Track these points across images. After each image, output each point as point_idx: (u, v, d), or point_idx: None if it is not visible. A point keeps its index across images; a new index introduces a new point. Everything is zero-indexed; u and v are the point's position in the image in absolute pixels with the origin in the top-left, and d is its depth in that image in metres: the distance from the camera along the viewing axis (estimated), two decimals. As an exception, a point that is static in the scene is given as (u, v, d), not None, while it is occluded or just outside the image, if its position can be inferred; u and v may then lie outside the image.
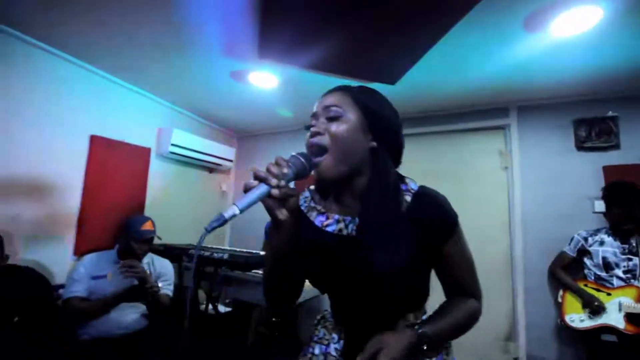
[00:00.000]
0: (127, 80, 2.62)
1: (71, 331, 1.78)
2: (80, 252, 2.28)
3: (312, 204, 0.77)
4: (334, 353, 0.72)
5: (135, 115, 2.77)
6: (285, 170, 0.59)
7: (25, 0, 1.65)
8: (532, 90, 2.39)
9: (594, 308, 1.89)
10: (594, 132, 2.34)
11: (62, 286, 2.01)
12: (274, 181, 0.56)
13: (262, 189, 0.56)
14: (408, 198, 0.69)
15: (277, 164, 0.59)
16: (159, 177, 2.97)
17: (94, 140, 2.45)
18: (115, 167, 2.58)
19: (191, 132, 3.12)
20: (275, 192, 0.56)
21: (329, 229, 0.72)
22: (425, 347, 0.62)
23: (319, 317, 0.83)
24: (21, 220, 1.98)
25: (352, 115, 0.68)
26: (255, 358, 2.59)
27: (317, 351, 0.75)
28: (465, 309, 0.70)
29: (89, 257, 2.00)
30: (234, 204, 0.53)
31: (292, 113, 3.12)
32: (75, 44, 2.11)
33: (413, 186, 0.72)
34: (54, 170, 2.21)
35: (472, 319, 0.71)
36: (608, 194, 2.03)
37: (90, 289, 1.85)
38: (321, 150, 0.66)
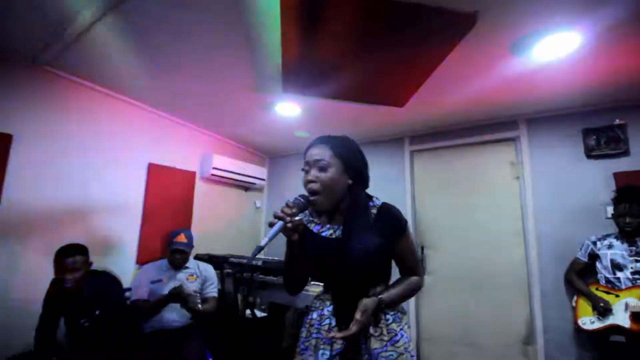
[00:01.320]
0: (176, 114, 3.13)
1: (137, 325, 2.19)
2: (141, 261, 2.74)
3: (311, 219, 1.14)
4: (326, 313, 1.03)
5: (182, 144, 3.27)
6: (294, 210, 0.93)
7: (91, 51, 2.03)
8: (538, 103, 2.54)
9: (600, 309, 1.97)
10: (603, 141, 2.43)
11: (128, 289, 2.45)
12: (287, 219, 0.91)
13: (280, 224, 0.91)
14: (374, 211, 1.05)
15: (287, 206, 0.94)
16: (203, 196, 3.43)
17: (151, 167, 2.94)
18: (167, 189, 3.06)
19: (229, 155, 3.57)
20: (289, 225, 0.91)
21: (323, 234, 1.08)
22: (383, 306, 0.98)
23: (315, 296, 1.15)
24: (96, 235, 2.46)
25: (333, 165, 1.01)
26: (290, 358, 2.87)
27: (315, 315, 1.06)
28: (410, 282, 1.06)
29: (146, 267, 2.42)
30: (265, 237, 0.91)
31: (308, 134, 3.46)
32: (131, 86, 2.57)
33: (377, 202, 1.08)
34: (121, 193, 2.71)
35: (415, 288, 1.07)
36: (618, 196, 2.12)
37: (151, 292, 2.26)
38: (315, 192, 1.00)
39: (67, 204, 2.36)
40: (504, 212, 2.76)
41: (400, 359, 0.97)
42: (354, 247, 0.97)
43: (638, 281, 1.95)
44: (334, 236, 1.05)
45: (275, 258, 2.76)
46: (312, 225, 1.11)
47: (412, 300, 3.01)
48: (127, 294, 2.41)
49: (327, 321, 1.02)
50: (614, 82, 2.17)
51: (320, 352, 0.98)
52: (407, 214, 3.15)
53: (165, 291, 2.22)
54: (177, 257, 2.37)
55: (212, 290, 2.44)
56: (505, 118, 2.80)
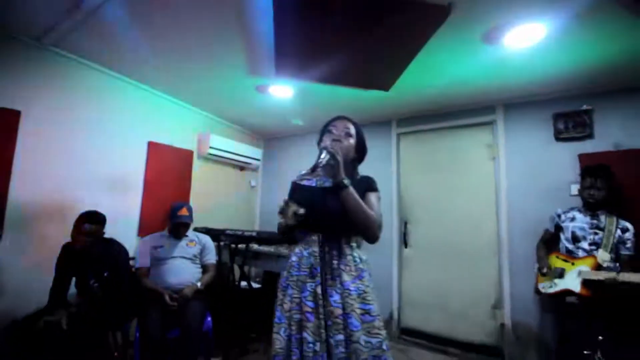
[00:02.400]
0: (175, 95, 3.27)
1: (141, 288, 2.40)
2: (142, 233, 2.93)
3: (302, 177, 1.41)
4: (306, 254, 1.25)
5: (180, 124, 3.42)
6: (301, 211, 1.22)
7: (96, 33, 2.16)
8: (514, 89, 2.73)
9: (543, 273, 2.24)
10: (571, 125, 2.64)
11: (132, 258, 2.65)
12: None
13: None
14: (358, 177, 1.35)
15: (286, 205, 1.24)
16: (201, 175, 3.61)
17: (151, 145, 3.10)
18: (166, 166, 3.23)
19: (225, 136, 3.74)
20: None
21: (313, 184, 1.36)
22: (344, 182, 1.20)
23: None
24: (100, 208, 2.63)
25: (353, 138, 1.36)
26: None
27: (294, 258, 1.28)
28: (372, 212, 1.23)
29: (147, 238, 2.60)
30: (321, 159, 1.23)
31: (302, 121, 3.65)
32: (132, 68, 2.72)
33: (362, 175, 1.38)
34: (122, 169, 2.88)
35: (370, 219, 1.21)
36: (586, 171, 2.31)
37: (153, 256, 2.47)
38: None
39: (73, 177, 2.53)
40: (480, 191, 3.00)
41: (367, 290, 1.21)
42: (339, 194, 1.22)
43: (593, 252, 2.18)
44: (323, 186, 1.32)
45: (269, 231, 2.98)
46: (304, 181, 1.38)
47: (394, 270, 3.29)
48: (131, 262, 2.62)
49: (310, 260, 1.23)
50: (580, 70, 2.36)
51: (308, 285, 1.20)
52: (393, 192, 3.38)
53: (166, 254, 2.43)
54: (180, 230, 2.57)
55: (212, 258, 2.65)
56: (484, 103, 2.99)
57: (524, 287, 2.67)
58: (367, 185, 1.30)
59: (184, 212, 2.56)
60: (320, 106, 3.21)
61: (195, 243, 2.60)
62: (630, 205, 2.33)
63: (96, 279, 2.17)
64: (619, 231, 2.17)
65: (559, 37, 1.95)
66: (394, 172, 3.41)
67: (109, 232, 2.31)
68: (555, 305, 2.31)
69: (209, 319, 2.42)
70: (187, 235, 2.61)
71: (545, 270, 2.24)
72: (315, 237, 1.25)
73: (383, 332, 1.18)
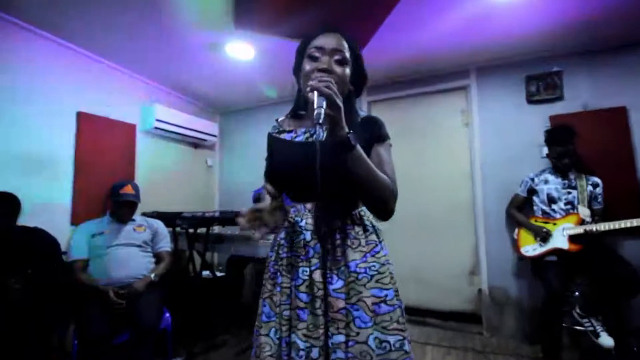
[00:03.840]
0: (109, 58, 2.72)
1: (78, 284, 1.96)
2: (76, 221, 2.43)
3: (281, 129, 1.02)
4: (298, 229, 0.91)
5: (119, 92, 2.88)
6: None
7: None
8: (488, 50, 2.63)
9: (543, 235, 2.21)
10: (542, 87, 2.62)
11: (64, 253, 2.18)
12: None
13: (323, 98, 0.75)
14: (359, 119, 0.96)
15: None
16: (147, 152, 3.11)
17: (82, 116, 2.56)
18: (103, 142, 2.70)
19: (175, 109, 3.25)
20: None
21: (297, 139, 0.95)
22: (349, 145, 0.77)
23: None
24: (20, 193, 2.11)
25: (349, 64, 0.91)
26: (251, 314, 2.84)
27: (283, 234, 0.95)
28: (386, 178, 0.85)
29: (84, 224, 2.15)
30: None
31: (276, 93, 3.26)
32: (59, 24, 2.20)
33: (362, 113, 0.99)
34: (46, 146, 2.34)
35: (384, 184, 0.84)
36: (549, 136, 2.32)
37: (91, 245, 2.03)
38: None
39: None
40: (455, 157, 2.92)
41: (383, 270, 0.90)
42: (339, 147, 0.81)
43: (570, 210, 2.20)
44: (311, 140, 0.93)
45: (233, 209, 2.63)
46: (284, 134, 0.99)
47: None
48: (63, 257, 2.15)
49: (301, 237, 0.90)
50: (552, 30, 2.31)
51: (301, 270, 0.88)
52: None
53: (109, 242, 2.02)
54: (125, 211, 2.14)
55: (166, 245, 2.27)
56: (457, 67, 2.88)
57: (499, 251, 2.67)
58: (372, 132, 0.92)
59: (128, 189, 2.14)
60: (287, 68, 2.86)
61: (144, 228, 2.19)
62: (596, 162, 2.37)
63: (16, 278, 1.70)
64: (590, 187, 2.22)
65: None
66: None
67: (35, 222, 1.84)
68: (536, 266, 2.31)
69: (167, 314, 2.07)
70: (134, 220, 2.20)
71: (544, 231, 2.20)
72: (308, 206, 0.94)
73: (405, 326, 0.88)
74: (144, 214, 2.57)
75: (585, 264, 2.11)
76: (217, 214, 2.36)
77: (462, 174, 2.88)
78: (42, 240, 1.85)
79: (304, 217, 0.93)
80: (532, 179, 2.41)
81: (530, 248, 2.29)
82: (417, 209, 2.97)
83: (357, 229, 0.91)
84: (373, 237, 0.93)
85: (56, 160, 2.42)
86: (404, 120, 3.13)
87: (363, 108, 3.22)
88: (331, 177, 0.84)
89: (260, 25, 2.24)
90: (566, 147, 2.21)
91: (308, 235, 0.90)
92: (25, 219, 2.08)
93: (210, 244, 2.59)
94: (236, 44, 2.48)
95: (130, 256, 2.05)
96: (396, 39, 2.45)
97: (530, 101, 2.66)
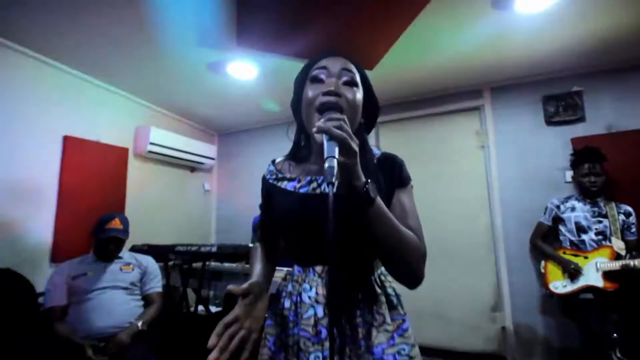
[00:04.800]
0: (100, 78, 2.55)
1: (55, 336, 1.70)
2: (58, 258, 2.19)
3: (280, 175, 0.83)
4: (307, 301, 0.72)
5: (111, 115, 2.69)
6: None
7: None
8: (502, 69, 2.50)
9: (571, 271, 2.00)
10: (561, 107, 2.48)
11: (41, 294, 1.92)
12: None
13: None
14: (374, 159, 0.78)
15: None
16: (139, 177, 2.89)
17: (68, 141, 2.36)
18: (91, 168, 2.49)
19: (171, 130, 3.06)
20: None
21: (302, 190, 0.76)
22: (368, 198, 0.61)
23: (284, 275, 0.84)
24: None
25: (359, 90, 0.75)
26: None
27: (287, 304, 0.76)
28: (410, 234, 0.68)
29: (63, 265, 1.89)
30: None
31: (278, 107, 3.08)
32: (43, 41, 2.04)
33: (377, 152, 0.81)
34: (26, 173, 2.12)
35: (413, 246, 0.67)
36: (576, 157, 2.16)
37: (72, 290, 1.78)
38: (339, 109, 0.68)
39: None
40: (470, 181, 2.73)
41: (414, 353, 0.71)
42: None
43: (602, 242, 2.00)
44: (318, 191, 0.74)
45: (231, 243, 2.40)
46: (284, 182, 0.80)
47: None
48: (41, 299, 1.89)
49: (311, 312, 0.70)
50: (575, 47, 2.18)
51: (312, 356, 0.67)
52: (373, 190, 2.99)
53: (92, 285, 1.77)
54: (110, 248, 1.90)
55: (156, 285, 2.02)
56: (470, 87, 2.74)
57: (523, 284, 2.45)
58: (392, 176, 0.75)
59: (115, 224, 1.91)
60: (290, 92, 2.69)
61: (132, 267, 1.95)
62: (625, 188, 2.20)
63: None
64: (622, 216, 2.05)
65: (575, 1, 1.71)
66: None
67: (9, 259, 1.61)
68: (568, 305, 2.09)
69: (156, 365, 1.80)
70: (120, 257, 1.96)
71: (572, 267, 1.99)
72: (317, 270, 0.74)
73: None
74: (133, 248, 2.34)
75: (623, 302, 1.90)
76: (213, 249, 2.12)
77: (480, 199, 2.69)
78: (10, 283, 1.60)
79: (313, 284, 0.74)
80: (558, 206, 2.22)
81: (560, 284, 2.08)
82: (432, 237, 2.70)
83: (379, 300, 0.73)
84: (399, 309, 0.76)
85: (38, 190, 2.19)
86: (415, 143, 2.96)
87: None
88: (346, 235, 0.67)
89: (264, 43, 2.09)
90: (594, 164, 2.06)
91: (320, 311, 0.70)
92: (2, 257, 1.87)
93: (206, 280, 2.34)
94: (238, 63, 2.32)
95: (115, 301, 1.79)
96: (406, 59, 2.31)
97: (549, 122, 2.51)
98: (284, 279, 0.83)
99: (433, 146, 2.89)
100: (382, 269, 0.79)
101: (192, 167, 3.48)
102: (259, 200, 0.91)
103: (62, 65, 2.32)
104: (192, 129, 3.54)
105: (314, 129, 0.59)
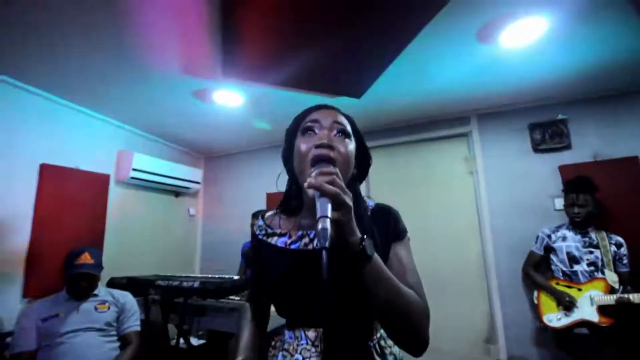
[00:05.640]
0: (80, 103, 2.48)
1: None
2: (31, 293, 2.07)
3: (270, 230, 0.79)
4: None
5: (91, 141, 2.61)
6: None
7: None
8: (489, 98, 2.52)
9: (566, 304, 1.95)
10: (548, 135, 2.50)
11: (11, 333, 1.79)
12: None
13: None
14: (368, 211, 0.76)
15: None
16: (120, 204, 2.79)
17: (45, 169, 2.26)
18: (69, 197, 2.39)
19: (154, 155, 2.98)
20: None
21: (293, 246, 0.73)
22: (365, 256, 0.57)
23: (273, 342, 0.78)
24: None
25: (351, 141, 0.73)
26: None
27: None
28: (410, 293, 0.63)
29: (35, 304, 1.76)
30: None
31: (269, 125, 2.98)
32: (21, 66, 1.97)
33: (370, 203, 0.79)
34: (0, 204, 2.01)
35: (414, 304, 0.62)
36: (566, 187, 2.15)
37: (42, 333, 1.65)
38: (332, 162, 0.67)
39: None
40: (460, 207, 2.71)
41: None
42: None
43: (595, 273, 1.97)
44: (310, 247, 0.71)
45: (216, 276, 2.30)
46: (275, 238, 0.77)
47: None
48: (8, 339, 1.76)
49: None
50: (559, 77, 2.22)
51: None
52: (363, 215, 2.94)
53: (63, 328, 1.64)
54: (82, 285, 1.78)
55: (134, 324, 1.89)
56: (458, 113, 2.75)
57: (516, 315, 2.39)
58: (388, 229, 0.72)
59: (85, 258, 1.79)
60: (278, 116, 2.67)
61: (108, 305, 1.83)
62: (615, 217, 2.19)
63: None
64: (613, 247, 2.02)
65: (557, 34, 1.73)
66: (362, 191, 2.98)
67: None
68: (562, 339, 2.03)
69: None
70: (95, 295, 1.83)
71: (567, 299, 1.95)
72: (310, 336, 0.69)
73: None
74: (112, 281, 2.21)
75: (619, 337, 1.86)
76: (196, 284, 2.02)
77: (470, 226, 2.66)
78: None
79: (306, 354, 0.67)
80: (549, 236, 2.20)
81: (555, 317, 2.03)
82: (421, 265, 2.67)
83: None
84: None
85: (10, 221, 2.08)
86: (403, 168, 2.94)
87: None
88: (342, 296, 0.63)
89: (250, 74, 2.06)
90: (578, 194, 2.05)
91: None
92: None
93: (188, 316, 2.22)
94: (224, 91, 2.29)
95: (88, 345, 1.67)
96: (394, 87, 2.31)
97: (536, 150, 2.52)
98: (274, 346, 0.77)
99: (421, 172, 2.87)
100: (382, 331, 0.73)
101: (177, 192, 3.38)
102: (246, 224, 0.87)
103: (40, 90, 2.25)
104: (177, 152, 3.47)
105: (306, 184, 0.57)
